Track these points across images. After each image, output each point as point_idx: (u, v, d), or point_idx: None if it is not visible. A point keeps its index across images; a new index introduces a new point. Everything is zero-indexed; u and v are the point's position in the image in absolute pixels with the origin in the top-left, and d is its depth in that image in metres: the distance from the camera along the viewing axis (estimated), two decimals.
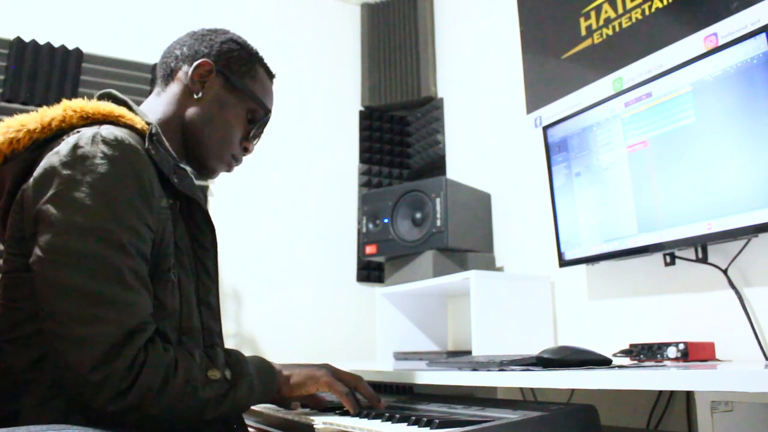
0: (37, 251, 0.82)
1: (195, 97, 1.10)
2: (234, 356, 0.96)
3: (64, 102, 0.94)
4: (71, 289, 0.80)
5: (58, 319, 0.80)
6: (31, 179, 0.87)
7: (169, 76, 1.12)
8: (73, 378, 0.80)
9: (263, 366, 1.00)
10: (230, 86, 1.12)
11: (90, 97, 1.00)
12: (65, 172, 0.85)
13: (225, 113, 1.12)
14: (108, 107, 0.96)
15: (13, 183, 0.91)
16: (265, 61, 1.19)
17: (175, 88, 1.11)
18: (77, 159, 0.85)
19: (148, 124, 0.98)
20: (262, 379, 0.97)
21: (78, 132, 0.90)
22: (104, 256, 0.82)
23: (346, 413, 1.08)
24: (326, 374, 1.05)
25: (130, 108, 1.02)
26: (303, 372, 1.04)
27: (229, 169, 1.18)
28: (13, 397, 0.85)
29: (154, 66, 1.19)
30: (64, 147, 0.87)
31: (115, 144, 0.88)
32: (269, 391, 0.99)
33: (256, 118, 1.16)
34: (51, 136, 0.91)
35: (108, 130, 0.89)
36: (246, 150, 1.18)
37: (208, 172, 1.16)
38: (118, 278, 0.83)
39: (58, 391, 0.84)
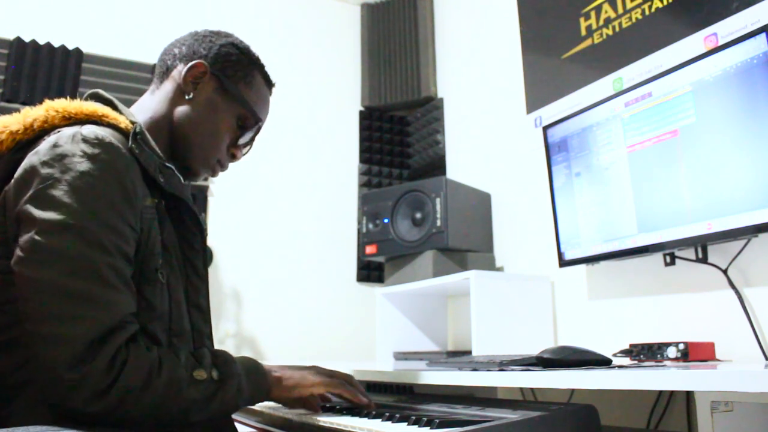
0: (18, 251, 0.82)
1: (186, 97, 1.08)
2: (221, 356, 0.94)
3: (47, 102, 0.93)
4: (49, 287, 0.79)
5: (36, 318, 0.79)
6: (12, 180, 0.86)
7: (165, 74, 1.11)
8: (51, 378, 0.78)
9: (252, 367, 0.97)
10: (223, 90, 1.09)
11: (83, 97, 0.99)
12: (44, 171, 0.84)
13: (214, 117, 1.09)
14: (91, 107, 0.94)
15: None
16: (266, 69, 1.16)
17: (168, 87, 1.09)
18: (56, 158, 0.84)
19: (133, 123, 0.96)
20: (251, 380, 0.95)
21: (59, 132, 0.89)
22: (83, 254, 0.81)
23: (345, 413, 1.08)
24: (318, 375, 1.04)
25: (115, 107, 1.01)
26: (296, 374, 1.03)
27: (213, 174, 1.14)
28: (3, 401, 0.84)
29: (155, 66, 1.17)
30: (43, 146, 0.86)
31: (95, 142, 0.86)
32: (259, 392, 0.97)
33: (246, 125, 1.13)
34: (33, 137, 0.90)
35: (89, 129, 0.88)
36: (234, 157, 1.15)
37: (190, 175, 1.12)
38: (97, 276, 0.81)
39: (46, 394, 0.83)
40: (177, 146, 1.09)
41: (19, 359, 0.83)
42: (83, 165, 0.84)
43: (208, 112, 1.09)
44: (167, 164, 0.99)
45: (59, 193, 0.82)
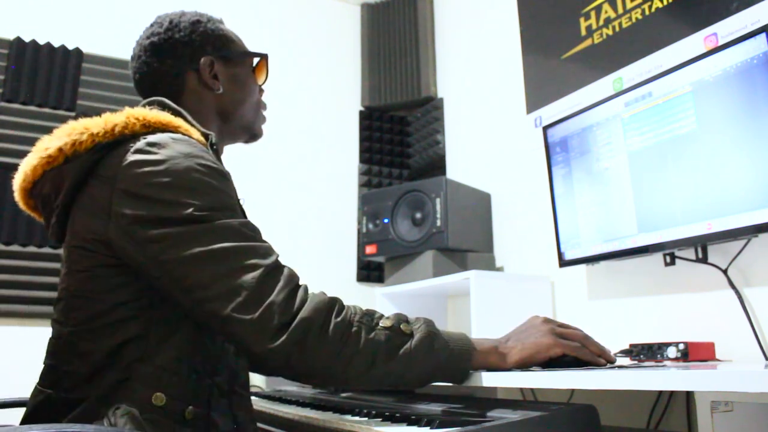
0: (155, 246, 0.87)
1: (218, 92, 1.14)
2: (416, 319, 0.96)
3: (127, 110, 0.98)
4: (199, 259, 0.86)
5: (203, 284, 0.85)
6: (121, 190, 0.90)
7: (177, 92, 1.13)
8: (235, 330, 0.84)
9: (459, 338, 0.97)
10: (230, 61, 1.18)
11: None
12: (158, 179, 0.90)
13: (243, 86, 1.19)
14: (166, 117, 1.00)
15: (73, 182, 0.94)
16: (211, 15, 1.21)
17: (192, 97, 1.13)
18: (167, 167, 0.90)
19: (204, 134, 1.04)
20: (455, 347, 0.95)
21: (146, 139, 0.94)
22: (219, 225, 0.89)
23: (345, 413, 1.08)
24: (554, 338, 1.02)
25: (185, 118, 1.06)
26: (528, 344, 1.01)
27: (264, 118, 1.27)
28: (83, 383, 0.88)
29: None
30: (149, 156, 0.91)
31: (194, 149, 0.95)
32: (458, 366, 0.96)
33: (260, 65, 1.24)
34: (113, 140, 0.95)
35: (183, 138, 0.96)
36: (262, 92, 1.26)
37: (258, 136, 1.25)
38: (237, 233, 0.89)
39: (125, 382, 0.87)
40: (235, 128, 1.21)
41: (111, 344, 0.88)
42: (197, 172, 0.92)
43: (237, 87, 1.18)
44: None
45: (181, 194, 0.89)
